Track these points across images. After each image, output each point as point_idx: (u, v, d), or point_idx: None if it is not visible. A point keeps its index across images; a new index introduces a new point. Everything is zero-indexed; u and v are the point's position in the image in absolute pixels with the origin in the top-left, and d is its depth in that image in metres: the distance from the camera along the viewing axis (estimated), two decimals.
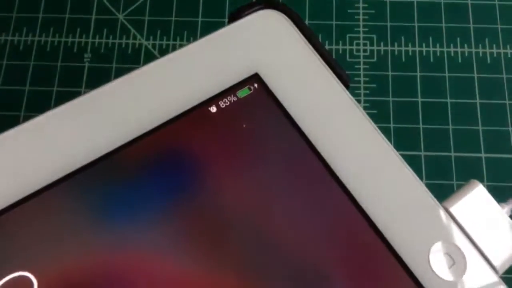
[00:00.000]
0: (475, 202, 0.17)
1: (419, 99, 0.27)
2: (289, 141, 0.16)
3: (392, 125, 0.26)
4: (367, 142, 0.17)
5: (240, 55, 0.17)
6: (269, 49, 0.18)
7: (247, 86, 0.17)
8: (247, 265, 0.15)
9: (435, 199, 0.16)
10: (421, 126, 0.26)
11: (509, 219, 0.17)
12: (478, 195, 0.17)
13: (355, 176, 0.16)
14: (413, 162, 0.25)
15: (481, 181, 0.25)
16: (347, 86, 0.18)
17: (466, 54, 0.28)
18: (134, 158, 0.15)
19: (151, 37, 0.29)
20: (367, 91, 0.27)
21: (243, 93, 0.17)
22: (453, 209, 0.16)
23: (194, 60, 0.17)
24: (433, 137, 0.26)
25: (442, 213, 0.16)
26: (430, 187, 0.25)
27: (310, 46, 0.18)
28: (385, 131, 0.26)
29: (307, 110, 0.17)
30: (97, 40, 0.29)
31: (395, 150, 0.17)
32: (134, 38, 0.29)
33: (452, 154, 0.26)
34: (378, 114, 0.27)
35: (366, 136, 0.17)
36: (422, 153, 0.26)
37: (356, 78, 0.27)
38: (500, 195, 0.19)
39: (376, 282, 0.15)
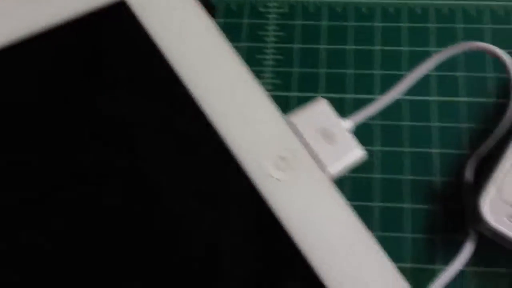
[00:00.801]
0: (317, 116, 0.19)
1: (322, 46, 0.29)
2: (150, 64, 0.18)
3: (295, 69, 0.28)
4: (224, 66, 0.19)
5: None
6: None
7: (114, 10, 0.19)
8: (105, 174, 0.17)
9: (279, 110, 0.18)
10: (323, 70, 0.28)
11: (346, 131, 0.19)
12: (322, 109, 0.19)
13: (209, 95, 0.18)
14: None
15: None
16: (213, 15, 0.20)
17: (370, 6, 0.29)
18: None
19: None
20: (276, 39, 0.29)
21: (109, 16, 0.19)
22: (294, 119, 0.18)
23: None
24: (332, 80, 0.28)
25: (283, 122, 0.18)
26: None
27: None
28: (289, 75, 0.28)
29: (171, 36, 0.19)
30: None
31: (250, 72, 0.19)
32: None
33: (346, 95, 0.27)
34: (283, 59, 0.28)
35: (223, 59, 0.19)
36: (321, 95, 0.28)
37: (266, 27, 0.29)
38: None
39: (211, 181, 0.17)
